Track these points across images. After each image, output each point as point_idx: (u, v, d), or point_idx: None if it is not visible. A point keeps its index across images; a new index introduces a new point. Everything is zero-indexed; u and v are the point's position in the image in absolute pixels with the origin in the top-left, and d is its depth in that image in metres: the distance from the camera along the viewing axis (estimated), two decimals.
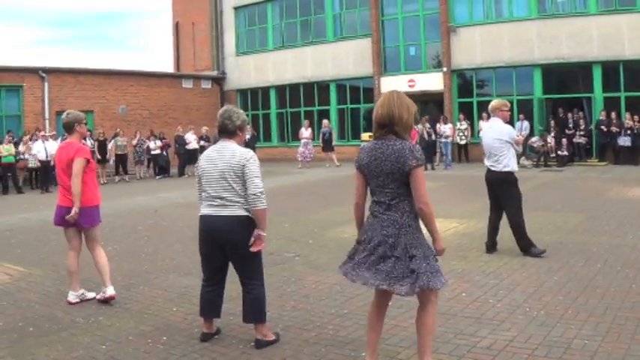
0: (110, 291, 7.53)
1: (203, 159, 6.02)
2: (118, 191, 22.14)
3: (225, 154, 5.82)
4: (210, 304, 6.14)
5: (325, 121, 31.09)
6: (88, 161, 7.50)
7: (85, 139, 9.04)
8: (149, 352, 5.88)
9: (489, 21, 29.24)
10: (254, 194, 5.68)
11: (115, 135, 27.27)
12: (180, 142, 29.06)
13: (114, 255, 10.22)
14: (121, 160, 27.16)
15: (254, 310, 5.95)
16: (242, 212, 5.77)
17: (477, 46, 29.29)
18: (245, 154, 5.80)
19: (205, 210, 5.93)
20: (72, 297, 7.65)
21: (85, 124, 7.80)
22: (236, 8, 38.22)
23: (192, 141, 29.35)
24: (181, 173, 28.53)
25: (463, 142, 28.09)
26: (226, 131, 5.95)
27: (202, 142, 29.54)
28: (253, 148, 29.05)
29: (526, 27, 27.96)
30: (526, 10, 28.20)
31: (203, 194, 5.98)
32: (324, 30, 34.64)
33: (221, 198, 5.80)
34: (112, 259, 9.69)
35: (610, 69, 26.57)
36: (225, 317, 6.65)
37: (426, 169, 25.47)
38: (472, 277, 8.16)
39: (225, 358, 5.69)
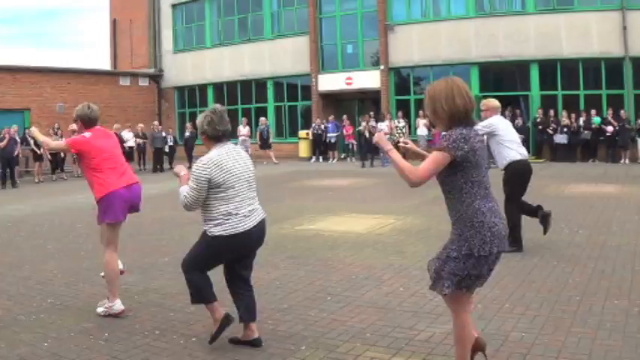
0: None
1: (227, 161, 5.48)
2: (56, 189, 22.04)
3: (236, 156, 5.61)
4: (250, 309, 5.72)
5: (262, 119, 31.05)
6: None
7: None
8: (91, 348, 5.75)
9: (427, 19, 29.45)
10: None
11: (55, 133, 26.60)
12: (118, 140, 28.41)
13: (54, 253, 10.17)
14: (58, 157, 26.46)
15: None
16: None
17: (415, 45, 29.37)
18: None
19: (245, 220, 5.46)
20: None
21: (75, 120, 7.09)
22: (174, 5, 37.85)
23: (129, 139, 28.97)
24: None
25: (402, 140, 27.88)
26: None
27: (139, 140, 29.19)
28: (192, 147, 28.99)
29: (464, 25, 28.21)
30: (464, 8, 28.45)
31: (233, 203, 5.45)
32: (262, 28, 34.44)
33: (255, 200, 5.66)
34: (53, 256, 9.94)
35: (547, 67, 26.98)
36: (165, 313, 6.68)
37: (363, 166, 25.86)
38: (410, 272, 8.08)
39: (167, 353, 5.59)
